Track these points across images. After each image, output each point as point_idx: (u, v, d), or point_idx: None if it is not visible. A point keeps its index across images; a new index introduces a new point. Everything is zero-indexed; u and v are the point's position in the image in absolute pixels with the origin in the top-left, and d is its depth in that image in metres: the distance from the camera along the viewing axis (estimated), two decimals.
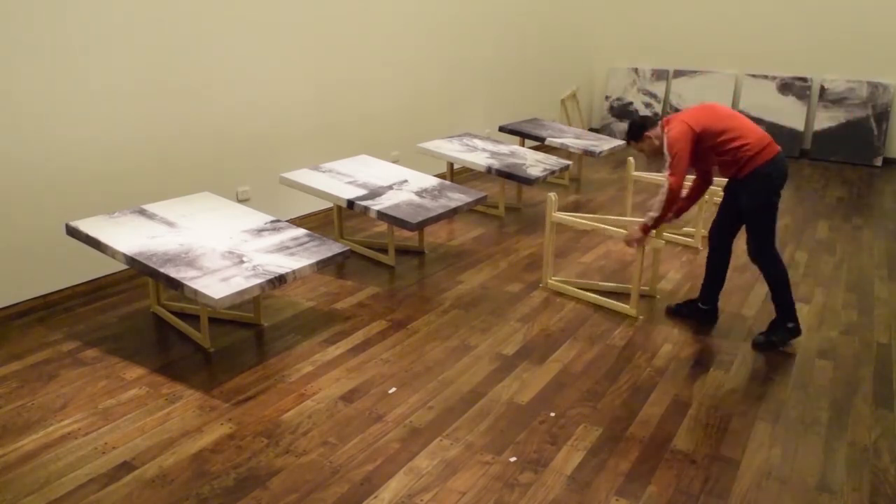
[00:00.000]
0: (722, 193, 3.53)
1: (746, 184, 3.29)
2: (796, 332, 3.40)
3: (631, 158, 5.25)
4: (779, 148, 3.30)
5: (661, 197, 3.40)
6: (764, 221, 3.32)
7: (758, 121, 8.38)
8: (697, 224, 4.90)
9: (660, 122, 3.46)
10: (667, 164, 3.33)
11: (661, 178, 3.47)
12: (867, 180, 7.17)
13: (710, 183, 3.69)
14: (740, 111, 8.48)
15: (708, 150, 3.32)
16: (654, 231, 3.58)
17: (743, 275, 4.33)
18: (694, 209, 5.60)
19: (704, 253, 4.76)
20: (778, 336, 3.41)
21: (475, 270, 4.40)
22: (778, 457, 2.58)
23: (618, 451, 2.60)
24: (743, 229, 3.44)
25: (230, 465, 2.48)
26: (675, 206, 3.49)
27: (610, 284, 4.13)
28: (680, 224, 4.26)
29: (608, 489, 2.39)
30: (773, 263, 3.36)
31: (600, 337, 3.51)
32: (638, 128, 3.55)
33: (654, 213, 3.45)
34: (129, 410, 2.81)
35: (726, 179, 3.44)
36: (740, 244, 3.53)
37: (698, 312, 3.71)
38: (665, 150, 3.35)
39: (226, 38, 4.53)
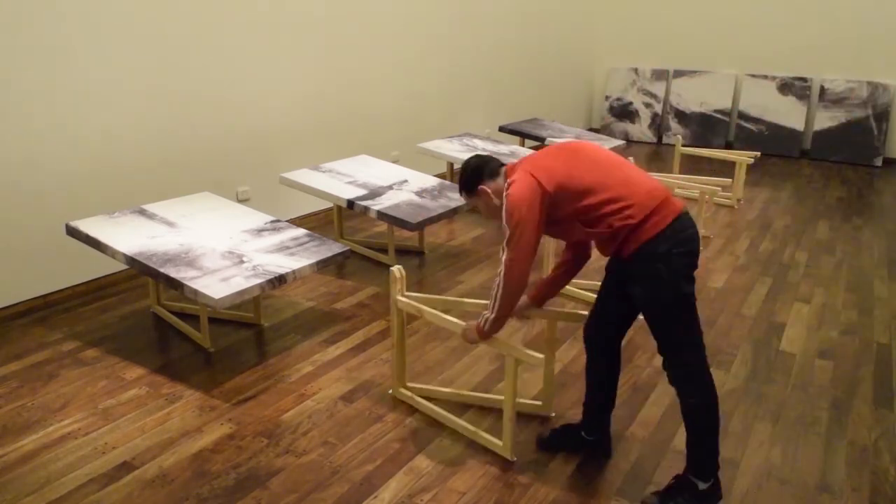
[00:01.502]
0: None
1: (634, 269, 2.20)
2: (714, 497, 2.28)
3: (631, 158, 5.24)
4: (680, 207, 2.18)
5: (496, 289, 2.29)
6: (675, 324, 2.20)
7: (758, 121, 8.39)
8: (697, 224, 4.90)
9: (503, 171, 2.36)
10: (505, 240, 2.23)
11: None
12: (867, 180, 7.17)
13: (587, 257, 2.54)
14: (742, 111, 8.49)
15: (570, 217, 2.22)
16: (496, 332, 2.41)
17: (743, 274, 4.33)
18: (692, 210, 5.57)
19: (705, 253, 4.76)
20: (681, 500, 2.28)
21: (475, 270, 4.40)
22: (778, 457, 2.58)
23: (618, 451, 2.60)
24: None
25: (230, 465, 2.48)
26: (517, 299, 2.34)
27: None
28: None
29: (608, 489, 2.39)
30: (697, 390, 2.23)
31: None
32: (471, 175, 2.39)
33: (490, 314, 2.35)
34: (129, 410, 2.81)
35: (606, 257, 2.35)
36: None
37: (580, 443, 2.59)
38: (503, 218, 2.22)
39: (226, 38, 4.53)
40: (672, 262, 2.14)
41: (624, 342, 3.49)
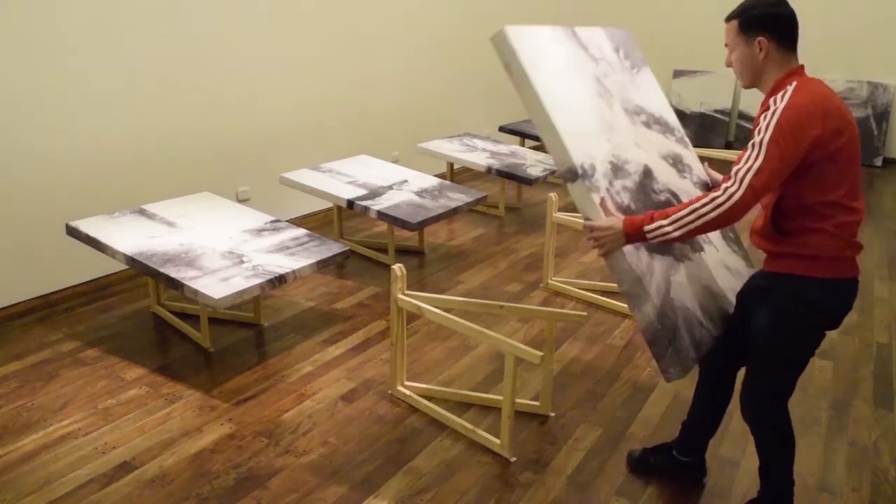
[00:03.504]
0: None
1: (789, 290, 1.93)
2: None
3: None
4: (859, 269, 1.96)
5: (704, 204, 1.82)
6: (786, 368, 2.02)
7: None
8: None
9: (791, 55, 1.92)
10: (749, 153, 1.80)
11: (710, 196, 1.84)
12: (867, 180, 7.17)
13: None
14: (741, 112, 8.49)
15: (800, 193, 1.87)
16: (637, 239, 1.91)
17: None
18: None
19: None
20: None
21: (475, 270, 4.40)
22: None
23: (618, 451, 2.60)
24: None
25: (230, 465, 2.48)
26: (712, 230, 1.87)
27: (611, 284, 4.13)
28: None
29: (608, 489, 2.39)
30: (776, 428, 2.11)
31: (600, 337, 3.51)
32: (764, 16, 1.89)
33: (669, 228, 1.87)
34: (129, 410, 2.81)
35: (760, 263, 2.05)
36: None
37: (675, 466, 2.44)
38: (761, 125, 1.80)
39: (226, 38, 4.53)
40: (829, 311, 1.95)
41: (624, 342, 3.51)
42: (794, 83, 1.85)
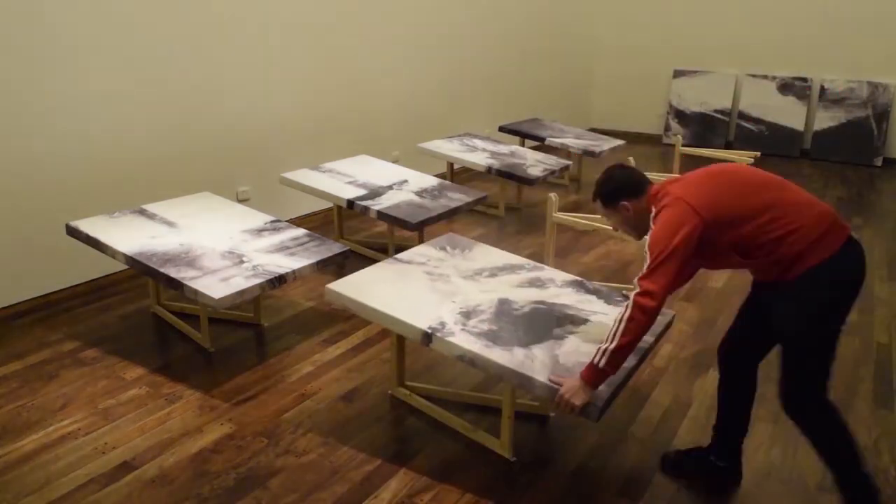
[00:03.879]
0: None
1: (792, 293, 2.05)
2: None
3: (631, 158, 5.25)
4: (848, 230, 2.05)
5: (625, 315, 2.02)
6: (815, 354, 2.07)
7: (758, 121, 8.38)
8: None
9: (647, 190, 2.20)
10: (645, 266, 2.02)
11: (628, 288, 2.23)
12: (867, 180, 7.17)
13: (689, 279, 2.46)
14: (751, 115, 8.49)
15: (726, 247, 2.07)
16: (613, 370, 2.07)
17: (743, 274, 4.31)
18: None
19: None
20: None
21: None
22: (778, 457, 2.58)
23: (618, 451, 2.60)
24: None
25: (230, 465, 2.48)
26: (644, 333, 2.04)
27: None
28: None
29: (608, 489, 2.39)
30: (823, 421, 2.12)
31: None
32: (615, 188, 2.23)
33: (608, 345, 2.03)
34: (129, 410, 2.81)
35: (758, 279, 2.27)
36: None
37: (709, 468, 2.46)
38: (647, 244, 2.04)
39: (226, 38, 4.53)
40: (837, 290, 2.02)
41: None
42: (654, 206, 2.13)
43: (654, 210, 2.11)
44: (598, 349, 2.06)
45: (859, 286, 2.04)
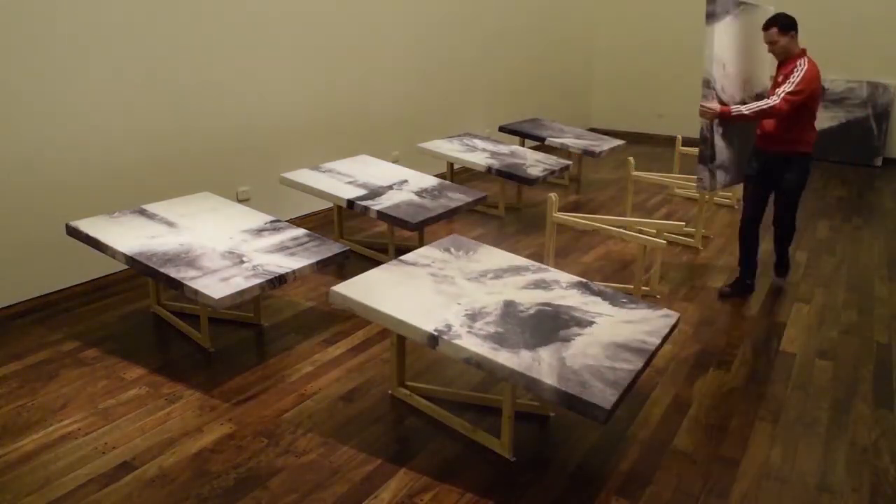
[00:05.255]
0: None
1: (796, 164, 3.76)
2: (751, 287, 4.07)
3: (631, 158, 5.25)
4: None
5: (762, 105, 3.61)
6: (798, 197, 3.87)
7: None
8: (698, 224, 4.91)
9: (797, 43, 3.70)
10: (786, 88, 3.57)
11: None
12: (867, 180, 7.17)
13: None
14: None
15: (804, 111, 3.65)
16: (736, 120, 3.81)
17: None
18: (693, 210, 5.61)
19: (705, 253, 4.77)
20: (735, 289, 4.05)
21: None
22: (778, 457, 2.58)
23: (618, 451, 2.60)
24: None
25: (230, 465, 2.48)
26: (764, 118, 3.71)
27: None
28: (680, 224, 4.26)
29: (608, 489, 2.39)
30: (792, 226, 4.02)
31: None
32: (792, 23, 3.66)
33: (744, 110, 3.67)
34: (129, 410, 2.81)
35: (762, 160, 3.85)
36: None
37: (747, 288, 4.07)
38: (796, 73, 3.58)
39: (226, 38, 4.53)
40: (810, 166, 3.84)
41: None
42: (807, 58, 3.71)
43: (804, 61, 3.65)
44: (737, 107, 3.74)
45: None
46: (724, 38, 3.96)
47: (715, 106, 3.78)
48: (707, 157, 3.92)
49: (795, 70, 3.61)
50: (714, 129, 3.89)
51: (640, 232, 4.02)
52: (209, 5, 4.37)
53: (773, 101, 3.59)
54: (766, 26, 3.72)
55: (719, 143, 3.97)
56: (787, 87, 3.58)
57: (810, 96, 3.59)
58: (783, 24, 3.66)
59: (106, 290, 4.01)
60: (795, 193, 3.84)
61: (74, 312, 3.70)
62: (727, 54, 3.96)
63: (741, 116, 3.71)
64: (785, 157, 3.77)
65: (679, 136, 6.64)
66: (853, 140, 7.90)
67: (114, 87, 3.95)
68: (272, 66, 4.89)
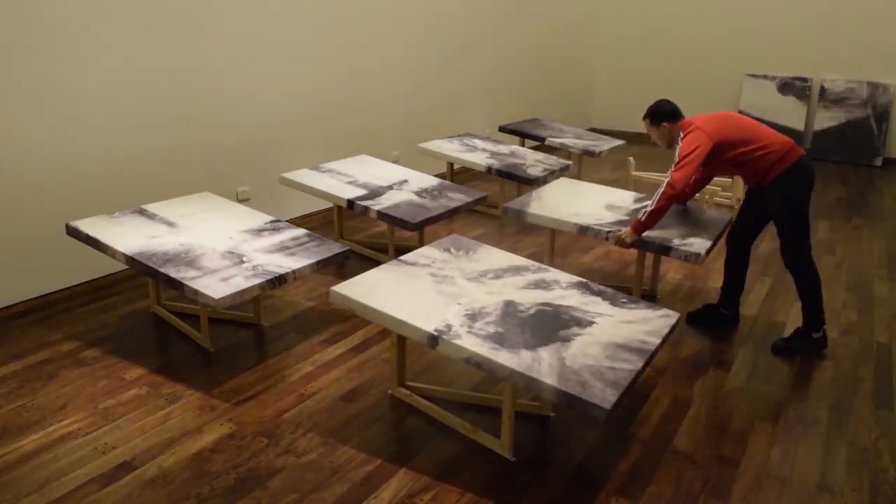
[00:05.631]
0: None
1: (773, 190, 3.26)
2: (823, 342, 3.36)
3: (631, 158, 5.25)
4: (802, 150, 3.28)
5: (660, 191, 3.29)
6: (796, 226, 3.25)
7: (758, 121, 8.41)
8: None
9: (680, 119, 3.44)
10: (675, 163, 3.29)
11: (662, 177, 3.41)
12: (867, 180, 7.17)
13: (710, 179, 3.77)
14: (741, 111, 8.49)
15: (725, 161, 3.31)
16: (651, 225, 3.37)
17: None
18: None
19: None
20: (800, 344, 3.36)
21: None
22: (778, 457, 2.58)
23: (618, 451, 2.60)
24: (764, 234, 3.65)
25: (230, 465, 2.48)
26: (671, 205, 3.33)
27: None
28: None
29: (608, 489, 2.39)
30: (807, 271, 3.29)
31: None
32: (661, 113, 3.47)
33: (649, 207, 3.33)
34: (129, 410, 2.81)
35: (748, 186, 3.47)
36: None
37: (719, 318, 3.66)
38: (677, 152, 3.32)
39: (226, 38, 4.53)
40: (799, 183, 3.24)
41: None
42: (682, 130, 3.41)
43: (682, 133, 3.37)
44: (642, 210, 3.40)
45: (813, 180, 3.28)
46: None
47: (623, 231, 3.44)
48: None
49: (678, 146, 3.36)
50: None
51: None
52: (209, 6, 4.37)
53: (665, 182, 3.28)
54: (644, 119, 3.56)
55: (664, 232, 3.52)
56: (674, 162, 3.31)
57: (710, 148, 3.24)
58: (652, 116, 3.50)
59: (106, 290, 4.01)
60: (786, 222, 3.27)
61: (74, 312, 3.70)
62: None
63: (650, 216, 3.34)
64: (759, 189, 3.37)
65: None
66: (853, 140, 7.91)
67: (114, 88, 3.95)
68: (272, 66, 4.89)
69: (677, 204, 3.80)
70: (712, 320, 3.65)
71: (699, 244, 3.42)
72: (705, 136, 3.25)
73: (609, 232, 3.54)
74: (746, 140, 3.25)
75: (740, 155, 3.26)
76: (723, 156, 3.29)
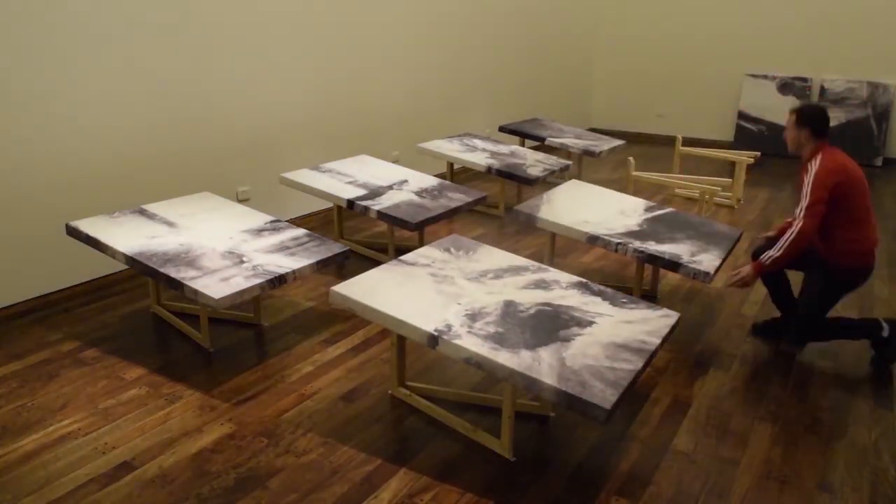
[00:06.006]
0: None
1: (831, 269, 3.21)
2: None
3: (631, 158, 5.25)
4: (872, 263, 3.19)
5: (788, 237, 3.12)
6: (825, 303, 3.29)
7: (758, 121, 8.41)
8: None
9: (824, 140, 3.22)
10: (803, 204, 3.10)
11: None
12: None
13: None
14: (741, 111, 8.51)
15: (831, 217, 3.13)
16: (774, 269, 3.26)
17: None
18: (693, 210, 5.62)
19: None
20: (890, 350, 3.27)
21: None
22: (778, 457, 2.58)
23: (618, 451, 2.60)
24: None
25: (230, 465, 2.48)
26: (800, 251, 3.15)
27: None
28: None
29: (608, 489, 2.39)
30: (820, 332, 3.35)
31: None
32: (813, 119, 3.21)
33: (775, 254, 3.17)
34: (129, 410, 2.81)
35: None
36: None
37: (784, 328, 3.54)
38: (807, 182, 3.12)
39: (226, 38, 4.53)
40: (850, 282, 3.25)
41: None
42: (821, 154, 3.19)
43: (818, 157, 3.17)
44: (767, 255, 3.22)
45: (864, 282, 3.27)
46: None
47: (745, 270, 3.29)
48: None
49: (806, 175, 3.16)
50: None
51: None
52: (209, 6, 4.37)
53: (797, 225, 3.11)
54: (791, 111, 3.33)
55: (674, 247, 3.52)
56: (803, 203, 3.11)
57: (835, 194, 3.08)
58: (801, 116, 3.26)
59: (106, 290, 4.01)
60: (817, 296, 3.28)
61: (74, 312, 3.70)
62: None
63: (776, 262, 3.19)
64: (813, 251, 3.24)
65: (679, 137, 6.64)
66: (853, 140, 7.90)
67: (114, 88, 3.95)
68: (272, 65, 4.89)
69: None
70: (778, 331, 3.56)
71: (708, 262, 3.39)
72: (839, 169, 3.09)
73: (619, 244, 3.53)
74: (856, 208, 3.14)
75: (839, 222, 3.13)
76: (830, 204, 3.11)
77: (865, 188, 3.18)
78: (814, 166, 3.13)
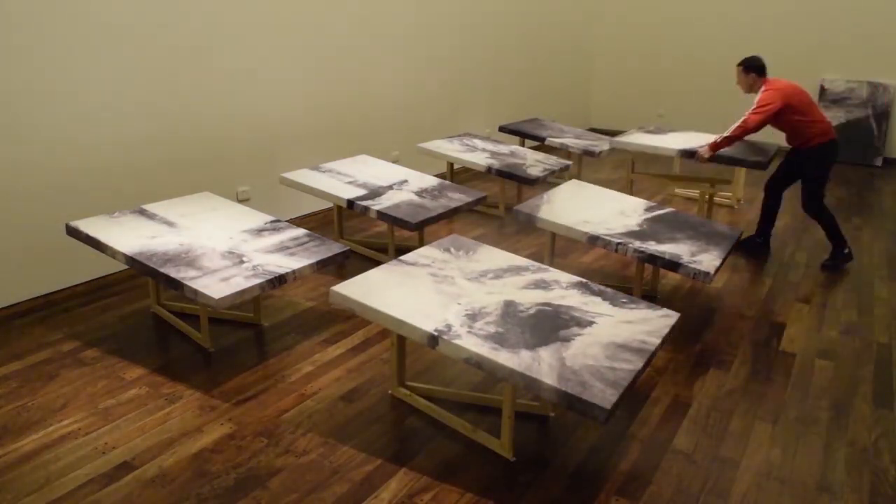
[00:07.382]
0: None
1: (808, 153, 4.42)
2: (850, 256, 4.53)
3: (631, 158, 5.25)
4: (834, 134, 4.43)
5: (737, 124, 4.41)
6: (818, 185, 4.45)
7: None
8: None
9: (763, 78, 4.49)
10: (753, 108, 4.37)
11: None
12: (867, 180, 7.17)
13: (761, 127, 4.50)
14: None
15: (783, 121, 4.38)
16: (724, 147, 4.61)
17: (743, 274, 4.32)
18: (693, 210, 5.62)
19: None
20: (838, 260, 4.51)
21: None
22: (778, 457, 2.58)
23: (618, 451, 2.60)
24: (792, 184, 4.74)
25: (230, 465, 2.48)
26: (742, 137, 4.48)
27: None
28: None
29: (608, 489, 2.39)
30: (823, 213, 4.49)
31: None
32: (753, 66, 4.49)
33: (724, 134, 4.50)
34: (129, 410, 2.81)
35: (790, 147, 4.55)
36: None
37: (754, 245, 4.83)
38: (756, 101, 4.39)
39: (226, 38, 4.53)
40: (828, 156, 4.43)
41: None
42: (765, 84, 4.51)
43: (763, 87, 4.44)
44: (721, 135, 4.60)
45: (835, 159, 4.45)
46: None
47: (702, 149, 4.75)
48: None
49: (757, 97, 4.43)
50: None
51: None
52: (209, 6, 4.37)
53: (742, 119, 4.39)
54: (738, 65, 4.60)
55: (674, 247, 3.57)
56: (751, 110, 4.39)
57: (780, 107, 4.31)
58: (749, 66, 4.50)
59: (106, 290, 4.01)
60: (812, 182, 4.44)
61: (74, 312, 3.70)
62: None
63: (726, 140, 4.53)
64: (797, 151, 4.51)
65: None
66: (853, 140, 7.90)
67: (114, 88, 3.95)
68: (272, 66, 4.89)
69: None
70: (750, 248, 4.81)
71: (708, 262, 3.39)
72: (780, 97, 4.30)
73: (619, 244, 3.53)
74: (805, 112, 4.33)
75: (797, 121, 4.35)
76: (784, 116, 4.34)
77: (803, 91, 4.42)
78: (760, 92, 4.43)
